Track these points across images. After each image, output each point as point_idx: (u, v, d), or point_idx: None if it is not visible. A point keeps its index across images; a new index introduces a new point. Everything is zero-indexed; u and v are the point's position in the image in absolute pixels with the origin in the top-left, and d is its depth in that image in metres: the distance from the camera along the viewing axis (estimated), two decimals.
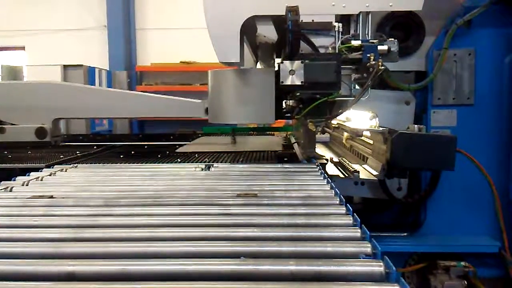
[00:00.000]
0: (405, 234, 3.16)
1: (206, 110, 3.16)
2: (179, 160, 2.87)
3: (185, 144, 3.91)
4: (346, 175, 2.94)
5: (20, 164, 2.84)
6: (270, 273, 1.06)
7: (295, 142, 3.79)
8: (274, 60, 2.98)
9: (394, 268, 1.01)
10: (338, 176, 2.91)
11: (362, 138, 3.19)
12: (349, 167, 3.04)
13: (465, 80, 2.99)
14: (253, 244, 1.22)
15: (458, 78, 2.99)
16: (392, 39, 2.39)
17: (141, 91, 9.70)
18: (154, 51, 10.29)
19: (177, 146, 3.74)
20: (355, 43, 2.35)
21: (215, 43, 2.44)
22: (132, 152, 3.37)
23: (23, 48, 10.52)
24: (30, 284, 1.01)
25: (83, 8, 10.21)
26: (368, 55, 2.28)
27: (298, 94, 2.39)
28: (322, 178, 2.13)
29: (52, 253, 1.19)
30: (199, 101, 3.23)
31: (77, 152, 3.32)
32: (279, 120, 2.93)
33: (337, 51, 2.36)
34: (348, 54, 2.34)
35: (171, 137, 4.65)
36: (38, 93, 3.12)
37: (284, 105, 2.72)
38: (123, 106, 3.26)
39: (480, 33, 2.97)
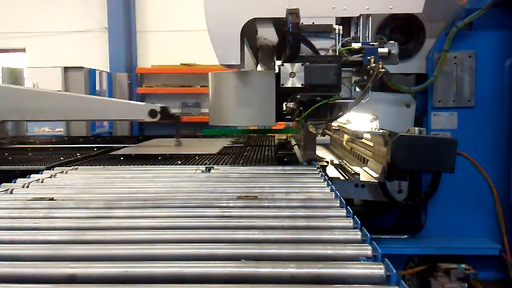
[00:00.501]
0: (406, 236, 3.16)
1: (150, 113, 3.23)
2: (179, 162, 2.87)
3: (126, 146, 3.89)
4: (347, 177, 2.94)
5: (21, 166, 2.84)
6: (270, 276, 1.06)
7: (295, 144, 3.79)
8: (274, 62, 2.99)
9: (394, 271, 1.01)
10: (338, 178, 2.91)
11: (363, 140, 3.20)
12: (350, 169, 3.03)
13: (465, 83, 2.99)
14: (254, 246, 1.22)
15: (459, 81, 2.99)
16: (393, 41, 2.40)
17: (142, 93, 9.81)
18: (154, 53, 10.30)
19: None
20: (356, 45, 2.36)
21: (215, 45, 2.45)
22: (133, 154, 3.37)
23: (23, 50, 10.53)
24: (31, 287, 1.01)
25: (83, 10, 10.23)
26: (369, 57, 2.29)
27: (298, 96, 2.39)
28: (322, 180, 2.13)
29: (53, 255, 1.19)
30: (143, 103, 3.27)
31: (78, 154, 3.32)
32: (279, 122, 2.93)
33: (337, 54, 2.37)
34: (348, 56, 2.35)
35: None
36: None
37: (284, 107, 2.72)
38: (68, 108, 3.28)
39: (480, 36, 2.98)
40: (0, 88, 3.38)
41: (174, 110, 3.53)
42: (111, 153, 3.43)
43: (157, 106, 3.50)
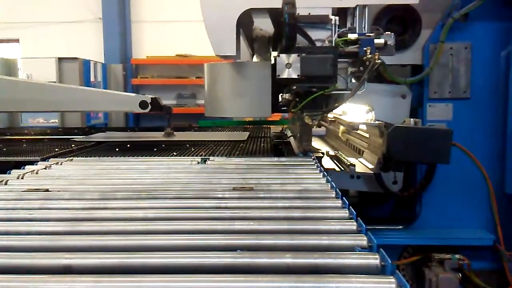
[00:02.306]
0: (401, 227, 3.18)
1: (141, 104, 3.24)
2: (174, 153, 2.87)
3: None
4: (342, 168, 2.95)
5: (15, 157, 2.83)
6: (266, 266, 1.06)
7: (291, 136, 3.79)
8: (270, 53, 2.98)
9: (389, 261, 1.02)
10: (334, 169, 2.92)
11: (358, 131, 3.20)
12: (345, 160, 3.04)
13: (461, 74, 3.00)
14: (250, 237, 1.22)
15: (454, 72, 3.00)
16: (389, 32, 2.39)
17: (137, 85, 9.76)
18: (149, 44, 10.23)
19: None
20: (352, 36, 2.35)
21: (211, 36, 2.43)
22: (128, 145, 3.36)
23: (17, 40, 10.43)
24: (26, 277, 1.01)
25: (78, 0, 10.13)
26: (365, 48, 2.28)
27: (294, 87, 2.39)
28: (318, 171, 2.13)
29: (48, 246, 1.19)
30: (134, 95, 3.27)
31: (72, 146, 3.31)
32: (275, 114, 2.93)
33: (333, 45, 2.36)
34: (344, 47, 2.34)
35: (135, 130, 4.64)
36: None
37: (280, 98, 2.71)
38: (58, 99, 3.28)
39: (476, 27, 2.98)
40: None
41: (168, 102, 3.53)
42: (106, 144, 3.41)
43: (148, 98, 3.50)
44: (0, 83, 3.32)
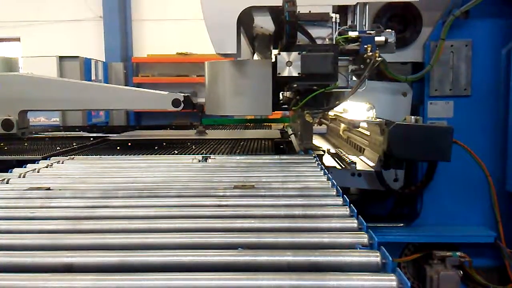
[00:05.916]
0: (402, 224, 3.18)
1: (174, 102, 3.23)
2: (176, 152, 2.87)
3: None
4: (343, 166, 2.95)
5: (17, 156, 2.83)
6: (267, 264, 1.06)
7: (292, 134, 3.79)
8: (271, 51, 2.97)
9: (390, 258, 1.02)
10: (335, 167, 2.92)
11: (359, 129, 3.20)
12: (346, 158, 3.04)
13: (462, 71, 2.99)
14: (250, 235, 1.23)
15: (455, 69, 2.99)
16: (389, 30, 2.39)
17: (138, 83, 9.76)
18: (150, 42, 10.23)
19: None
20: (352, 34, 2.35)
21: (211, 34, 2.43)
22: (129, 144, 3.36)
23: (18, 39, 10.44)
24: (28, 276, 1.01)
25: None
26: (365, 46, 2.28)
27: (295, 85, 2.39)
28: (319, 169, 2.13)
29: (50, 244, 1.19)
30: (166, 93, 3.27)
31: (74, 144, 3.31)
32: (276, 112, 2.93)
33: (334, 42, 2.36)
34: (345, 45, 2.34)
35: (168, 129, 4.65)
36: (3, 85, 3.10)
37: (281, 96, 2.71)
38: (91, 98, 3.27)
39: (477, 24, 2.97)
40: (21, 77, 3.37)
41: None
42: (107, 142, 3.42)
43: (180, 95, 3.48)
44: (34, 81, 3.31)
